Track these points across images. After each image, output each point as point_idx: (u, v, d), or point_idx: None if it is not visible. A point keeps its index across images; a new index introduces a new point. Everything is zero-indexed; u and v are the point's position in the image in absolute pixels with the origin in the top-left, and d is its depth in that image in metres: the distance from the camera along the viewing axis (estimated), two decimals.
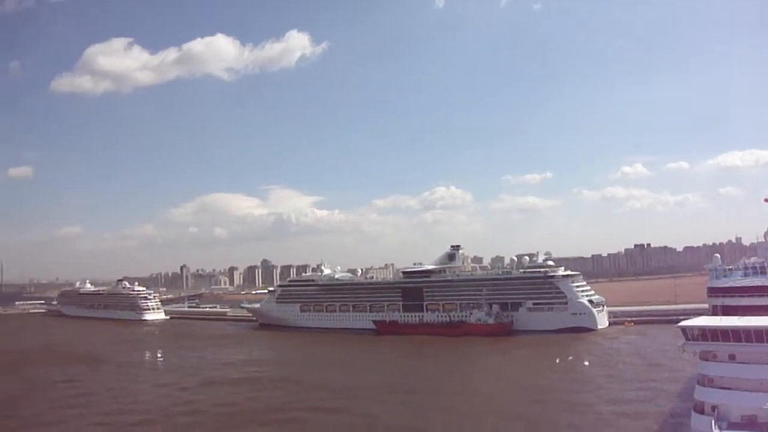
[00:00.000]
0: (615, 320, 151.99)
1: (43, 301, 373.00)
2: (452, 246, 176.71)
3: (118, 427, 68.90)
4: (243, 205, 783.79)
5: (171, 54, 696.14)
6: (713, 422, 46.06)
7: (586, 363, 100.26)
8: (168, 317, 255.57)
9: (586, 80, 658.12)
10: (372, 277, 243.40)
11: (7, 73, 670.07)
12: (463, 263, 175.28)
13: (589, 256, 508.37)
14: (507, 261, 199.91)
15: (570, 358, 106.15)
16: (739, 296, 56.72)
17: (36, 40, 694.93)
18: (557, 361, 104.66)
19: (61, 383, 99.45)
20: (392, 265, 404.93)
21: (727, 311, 56.17)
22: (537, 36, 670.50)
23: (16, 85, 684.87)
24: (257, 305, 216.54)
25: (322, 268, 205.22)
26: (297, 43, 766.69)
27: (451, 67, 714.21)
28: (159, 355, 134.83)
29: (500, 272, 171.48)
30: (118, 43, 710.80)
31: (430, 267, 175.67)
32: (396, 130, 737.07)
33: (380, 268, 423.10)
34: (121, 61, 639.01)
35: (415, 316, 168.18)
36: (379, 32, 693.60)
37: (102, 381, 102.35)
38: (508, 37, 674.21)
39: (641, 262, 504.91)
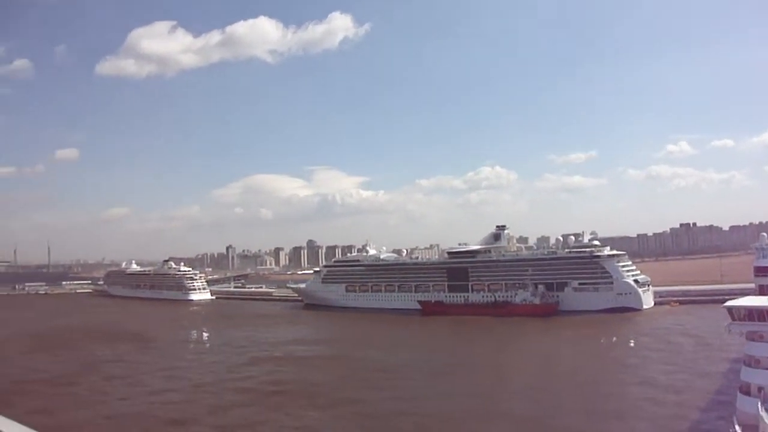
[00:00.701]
0: (660, 300, 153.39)
1: (89, 281, 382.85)
2: (497, 226, 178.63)
3: (167, 403, 71.79)
4: (288, 186, 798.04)
5: (214, 37, 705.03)
6: (760, 404, 44.63)
7: (632, 343, 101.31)
8: (214, 297, 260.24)
9: (629, 58, 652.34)
10: (417, 258, 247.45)
11: (53, 57, 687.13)
12: (508, 243, 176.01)
13: (635, 235, 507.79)
14: (552, 241, 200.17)
15: (614, 339, 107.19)
16: None
17: (81, 25, 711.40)
18: (602, 341, 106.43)
19: (111, 362, 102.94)
20: (437, 245, 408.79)
21: None
22: (581, 14, 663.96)
23: (62, 70, 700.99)
24: (303, 285, 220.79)
25: (368, 248, 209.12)
26: (339, 25, 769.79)
27: (495, 45, 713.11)
28: (205, 334, 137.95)
29: (545, 252, 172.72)
30: (162, 26, 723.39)
31: (475, 247, 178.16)
32: (440, 110, 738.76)
33: (425, 248, 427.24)
34: (165, 44, 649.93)
35: (460, 297, 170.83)
36: (421, 13, 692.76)
37: (149, 359, 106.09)
38: (552, 15, 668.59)
39: (687, 242, 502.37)
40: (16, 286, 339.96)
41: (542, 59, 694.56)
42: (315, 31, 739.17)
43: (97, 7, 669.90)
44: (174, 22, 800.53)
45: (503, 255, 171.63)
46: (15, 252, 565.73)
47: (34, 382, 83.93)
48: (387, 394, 72.33)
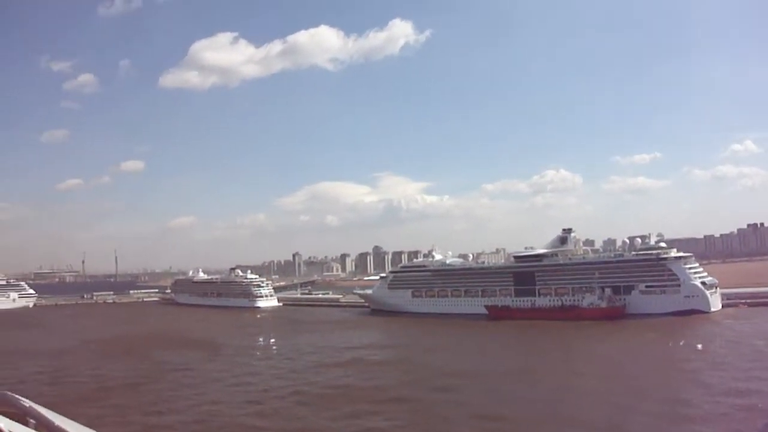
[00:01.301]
0: (728, 302, 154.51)
1: (156, 290, 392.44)
2: (564, 229, 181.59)
3: (235, 405, 75.12)
4: (353, 192, 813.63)
5: (276, 47, 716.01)
6: None
7: (699, 347, 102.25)
8: (281, 304, 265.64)
9: (692, 56, 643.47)
10: (483, 262, 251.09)
11: (117, 71, 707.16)
12: (574, 246, 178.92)
13: (701, 236, 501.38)
14: (618, 243, 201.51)
15: (682, 342, 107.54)
16: None
17: (144, 38, 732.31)
18: (669, 344, 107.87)
19: (180, 369, 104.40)
20: (503, 249, 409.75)
21: None
22: (647, 12, 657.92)
23: (126, 83, 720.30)
24: (369, 291, 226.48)
25: (434, 253, 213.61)
26: (400, 32, 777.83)
27: (556, 47, 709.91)
28: (272, 340, 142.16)
29: (612, 255, 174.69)
30: (224, 37, 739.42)
31: (541, 251, 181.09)
32: (502, 113, 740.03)
33: (491, 252, 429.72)
34: (227, 55, 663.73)
35: (526, 301, 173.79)
36: (481, 16, 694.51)
37: (217, 364, 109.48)
38: (616, 14, 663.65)
39: (755, 242, 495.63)
40: (84, 296, 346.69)
41: (605, 59, 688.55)
42: (376, 38, 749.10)
43: (158, 20, 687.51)
44: (236, 34, 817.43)
45: (570, 258, 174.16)
46: (83, 262, 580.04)
47: (107, 389, 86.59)
48: (451, 396, 75.19)
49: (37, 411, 10.59)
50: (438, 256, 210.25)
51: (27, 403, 11.47)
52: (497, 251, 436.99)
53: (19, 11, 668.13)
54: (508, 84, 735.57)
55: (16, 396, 11.62)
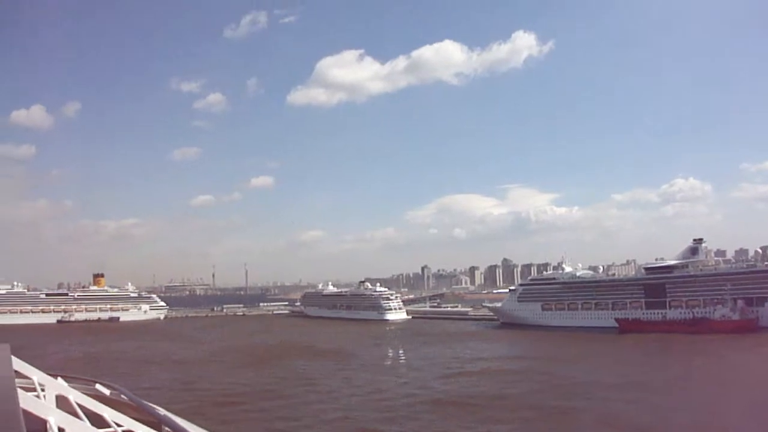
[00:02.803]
0: None
1: (286, 303, 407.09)
2: (694, 239, 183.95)
3: (368, 411, 79.42)
4: (481, 205, 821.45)
5: (400, 63, 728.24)
6: None
7: None
8: (409, 317, 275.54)
9: None
10: (613, 274, 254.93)
11: (245, 90, 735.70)
12: (705, 257, 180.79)
13: None
14: (751, 253, 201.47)
15: None
16: None
17: (270, 57, 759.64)
18: None
19: (313, 377, 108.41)
20: (633, 261, 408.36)
21: None
22: None
23: (254, 101, 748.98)
24: (498, 304, 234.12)
25: (563, 265, 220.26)
26: (523, 44, 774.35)
27: (684, 55, 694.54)
28: (401, 351, 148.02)
29: (744, 265, 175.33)
30: (350, 55, 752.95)
31: (672, 262, 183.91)
32: (629, 123, 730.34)
33: (621, 264, 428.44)
34: (353, 72, 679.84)
35: (657, 314, 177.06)
36: (606, 26, 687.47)
37: (349, 373, 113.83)
38: (747, 15, 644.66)
39: None
40: (214, 308, 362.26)
41: (735, 61, 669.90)
42: (499, 51, 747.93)
43: (284, 40, 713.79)
44: (361, 50, 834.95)
45: (701, 270, 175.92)
46: (213, 275, 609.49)
47: (240, 394, 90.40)
48: (591, 404, 78.99)
49: (172, 420, 11.91)
50: (568, 269, 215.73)
51: (162, 411, 13.04)
52: (627, 263, 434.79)
53: (151, 37, 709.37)
54: (634, 92, 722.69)
55: (152, 405, 13.21)
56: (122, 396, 14.06)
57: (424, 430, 69.89)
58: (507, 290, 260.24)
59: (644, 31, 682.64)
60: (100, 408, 11.60)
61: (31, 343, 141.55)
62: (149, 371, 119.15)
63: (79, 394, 12.29)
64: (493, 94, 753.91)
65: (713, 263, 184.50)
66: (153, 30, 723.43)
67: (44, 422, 9.27)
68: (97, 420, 11.00)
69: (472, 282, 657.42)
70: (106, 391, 14.41)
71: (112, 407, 11.88)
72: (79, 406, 11.41)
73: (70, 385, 13.24)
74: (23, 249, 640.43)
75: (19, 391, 9.70)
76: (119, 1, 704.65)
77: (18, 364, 11.93)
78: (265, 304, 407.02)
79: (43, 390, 11.80)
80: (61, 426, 9.55)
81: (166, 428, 11.27)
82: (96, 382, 14.94)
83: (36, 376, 12.36)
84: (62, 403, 11.39)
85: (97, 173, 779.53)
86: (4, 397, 7.45)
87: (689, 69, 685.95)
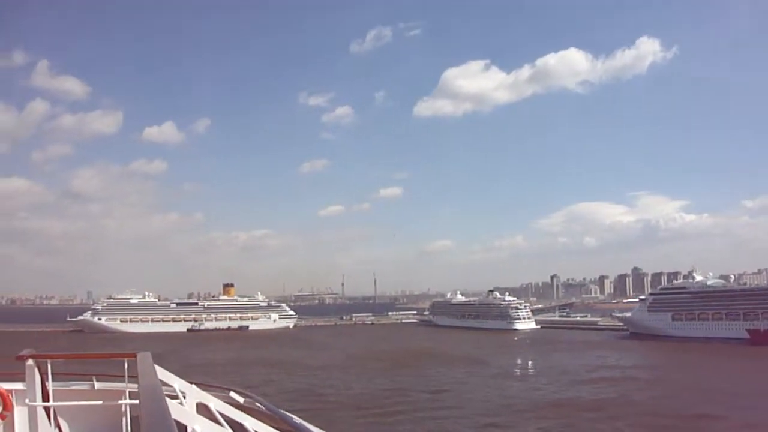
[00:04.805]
0: None
1: (414, 311, 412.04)
2: None
3: (508, 415, 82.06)
4: (610, 212, 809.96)
5: (525, 72, 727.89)
6: None
7: None
8: (538, 326, 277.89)
9: None
10: (745, 283, 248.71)
11: (372, 102, 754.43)
12: None
13: None
14: None
15: None
16: None
17: (396, 70, 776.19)
18: None
19: (450, 382, 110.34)
20: (765, 270, 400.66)
21: None
22: None
23: (382, 113, 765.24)
24: (628, 314, 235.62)
25: (694, 274, 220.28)
26: (648, 49, 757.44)
27: None
28: (530, 361, 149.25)
29: None
30: (475, 65, 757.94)
31: None
32: (757, 125, 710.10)
33: (753, 273, 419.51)
34: (479, 82, 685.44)
35: None
36: (730, 27, 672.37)
37: (483, 379, 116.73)
38: None
39: None
40: (343, 317, 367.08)
41: None
42: (624, 57, 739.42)
43: (409, 52, 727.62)
44: (486, 60, 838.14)
45: None
46: (342, 285, 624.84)
47: (374, 397, 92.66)
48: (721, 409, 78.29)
49: (308, 429, 12.90)
50: (698, 278, 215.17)
51: (298, 420, 13.75)
52: (758, 272, 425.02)
53: (280, 55, 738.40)
54: (764, 96, 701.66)
55: (288, 413, 14.05)
56: (257, 404, 14.71)
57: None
58: (637, 299, 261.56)
59: None
60: (239, 416, 12.25)
61: (167, 350, 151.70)
62: (281, 375, 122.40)
63: (219, 401, 12.95)
64: (619, 102, 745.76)
65: None
66: (281, 47, 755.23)
67: (186, 429, 9.70)
68: (237, 428, 11.66)
69: (602, 291, 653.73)
70: (240, 399, 14.96)
71: (250, 415, 12.55)
72: (220, 413, 12.06)
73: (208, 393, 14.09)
74: (155, 260, 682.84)
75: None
76: (248, 21, 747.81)
77: (160, 372, 11.73)
78: (394, 312, 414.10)
79: (184, 397, 12.31)
80: None
81: None
82: (230, 390, 15.43)
83: (177, 383, 12.67)
84: (202, 410, 12.04)
85: (227, 186, 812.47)
86: (158, 407, 7.37)
87: None
